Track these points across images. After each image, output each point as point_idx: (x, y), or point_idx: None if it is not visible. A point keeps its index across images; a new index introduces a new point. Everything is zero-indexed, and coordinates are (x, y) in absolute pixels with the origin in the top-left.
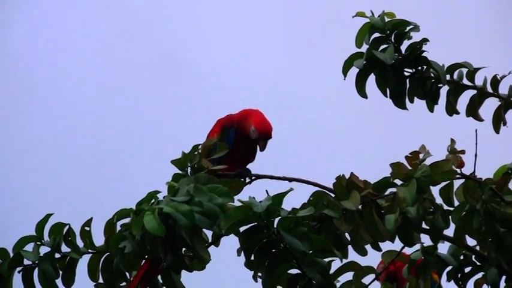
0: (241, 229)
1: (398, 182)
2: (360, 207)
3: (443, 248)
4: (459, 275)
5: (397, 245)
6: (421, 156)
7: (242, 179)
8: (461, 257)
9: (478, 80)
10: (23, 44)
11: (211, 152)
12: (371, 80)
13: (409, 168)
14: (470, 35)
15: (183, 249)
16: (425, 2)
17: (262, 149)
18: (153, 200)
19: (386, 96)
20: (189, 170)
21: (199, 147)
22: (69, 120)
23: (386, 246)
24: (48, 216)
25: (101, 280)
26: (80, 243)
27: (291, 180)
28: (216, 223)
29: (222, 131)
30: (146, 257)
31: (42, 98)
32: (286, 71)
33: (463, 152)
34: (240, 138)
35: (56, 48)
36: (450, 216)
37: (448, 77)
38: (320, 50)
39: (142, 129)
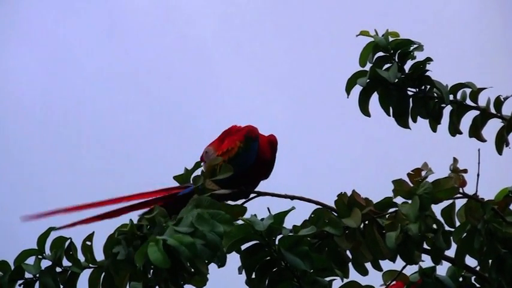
0: (243, 247)
1: (399, 201)
2: (361, 224)
3: (442, 269)
4: None
5: (398, 265)
6: (423, 173)
7: (243, 198)
8: (461, 279)
9: (482, 101)
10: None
11: (215, 171)
12: (374, 98)
13: (411, 185)
14: (474, 55)
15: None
16: (429, 21)
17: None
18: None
19: (389, 115)
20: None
21: (202, 164)
22: (71, 133)
23: (387, 266)
24: (49, 230)
25: None
26: (81, 257)
27: (292, 198)
28: (216, 254)
29: (245, 141)
30: None
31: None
32: (287, 84)
33: (465, 171)
34: (261, 153)
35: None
36: (451, 237)
37: (451, 97)
38: (323, 64)
39: (144, 144)
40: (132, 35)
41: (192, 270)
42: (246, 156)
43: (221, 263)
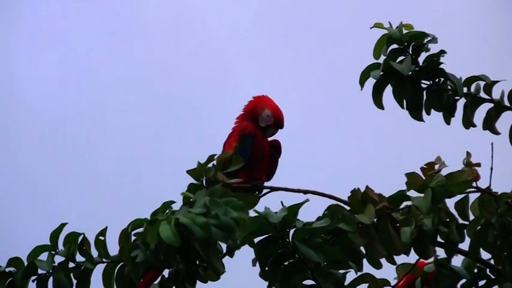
0: (257, 239)
1: (412, 194)
2: (374, 220)
3: (457, 260)
4: None
5: (411, 258)
6: (436, 167)
7: (257, 193)
8: (475, 270)
9: (495, 93)
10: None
11: (226, 164)
12: (388, 91)
13: (424, 178)
14: (487, 47)
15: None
16: (443, 15)
17: (269, 136)
18: (167, 211)
19: (403, 108)
20: (204, 181)
21: (215, 157)
22: (85, 130)
23: (400, 259)
24: (62, 225)
25: None
26: (94, 252)
27: (305, 192)
28: (231, 236)
29: (240, 139)
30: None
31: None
32: (300, 80)
33: (478, 165)
34: (257, 146)
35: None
36: (465, 230)
37: (465, 89)
38: (335, 59)
39: (157, 139)
40: (144, 37)
41: (203, 255)
42: (241, 152)
43: (236, 246)
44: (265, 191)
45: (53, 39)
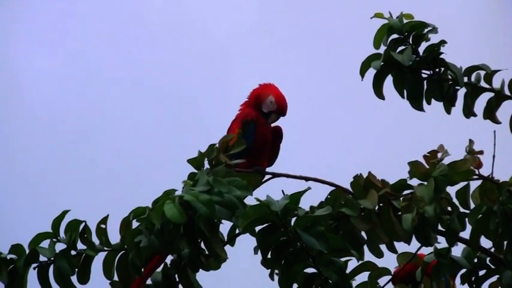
0: (259, 227)
1: (414, 182)
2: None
3: (457, 250)
4: (473, 278)
5: (412, 247)
6: (439, 155)
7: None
8: (476, 260)
9: (496, 83)
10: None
11: (229, 148)
12: (388, 81)
13: (427, 167)
14: (488, 36)
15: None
16: (444, 5)
17: (271, 122)
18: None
19: (404, 98)
20: (205, 168)
21: (218, 142)
22: (87, 122)
23: (401, 248)
24: (64, 213)
25: (115, 278)
26: (95, 240)
27: (307, 179)
28: (235, 214)
29: (242, 125)
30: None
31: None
32: (302, 69)
33: (481, 152)
34: (259, 132)
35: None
36: (466, 219)
37: (465, 79)
38: (337, 47)
39: (158, 137)
40: (145, 36)
41: (207, 234)
42: (244, 139)
43: (239, 225)
44: (267, 177)
45: (53, 38)
